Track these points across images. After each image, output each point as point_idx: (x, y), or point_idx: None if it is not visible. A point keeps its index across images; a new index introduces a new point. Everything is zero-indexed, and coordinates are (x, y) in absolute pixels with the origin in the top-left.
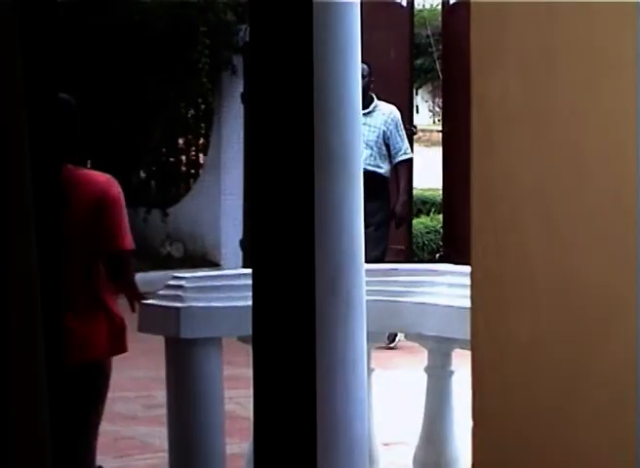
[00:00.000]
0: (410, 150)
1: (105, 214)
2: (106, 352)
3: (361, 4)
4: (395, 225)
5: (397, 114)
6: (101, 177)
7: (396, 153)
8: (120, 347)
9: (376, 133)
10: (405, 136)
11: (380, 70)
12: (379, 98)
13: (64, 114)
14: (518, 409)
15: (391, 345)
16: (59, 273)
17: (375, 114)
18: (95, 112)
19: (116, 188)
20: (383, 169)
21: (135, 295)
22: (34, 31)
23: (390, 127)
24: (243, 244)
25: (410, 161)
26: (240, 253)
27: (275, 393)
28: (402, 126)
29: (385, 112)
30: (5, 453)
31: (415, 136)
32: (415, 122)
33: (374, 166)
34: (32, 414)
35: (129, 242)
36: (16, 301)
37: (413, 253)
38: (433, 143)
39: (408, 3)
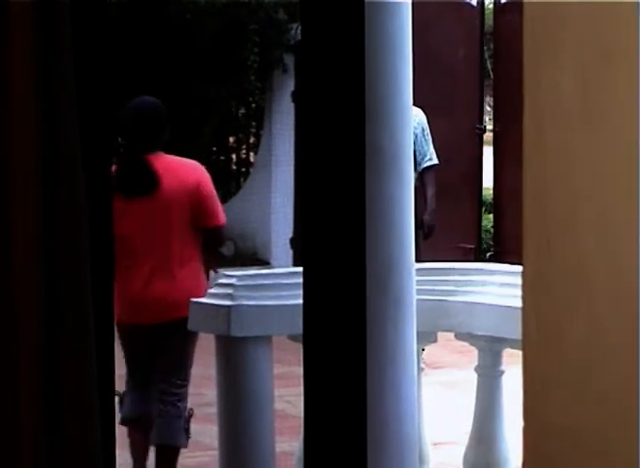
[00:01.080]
0: (435, 156)
1: (205, 195)
2: None
3: (431, 4)
4: (424, 236)
5: (422, 117)
6: (191, 162)
7: (422, 159)
8: None
9: None
10: (431, 140)
11: (449, 70)
12: (447, 98)
13: (154, 113)
14: (569, 410)
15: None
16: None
17: None
18: None
19: (204, 170)
20: None
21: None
22: (86, 31)
23: (416, 131)
24: (293, 242)
25: (436, 167)
26: (290, 252)
27: (326, 392)
28: (428, 130)
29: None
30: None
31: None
32: None
33: None
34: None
35: (223, 218)
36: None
37: (481, 251)
38: (484, 142)
39: (478, 3)
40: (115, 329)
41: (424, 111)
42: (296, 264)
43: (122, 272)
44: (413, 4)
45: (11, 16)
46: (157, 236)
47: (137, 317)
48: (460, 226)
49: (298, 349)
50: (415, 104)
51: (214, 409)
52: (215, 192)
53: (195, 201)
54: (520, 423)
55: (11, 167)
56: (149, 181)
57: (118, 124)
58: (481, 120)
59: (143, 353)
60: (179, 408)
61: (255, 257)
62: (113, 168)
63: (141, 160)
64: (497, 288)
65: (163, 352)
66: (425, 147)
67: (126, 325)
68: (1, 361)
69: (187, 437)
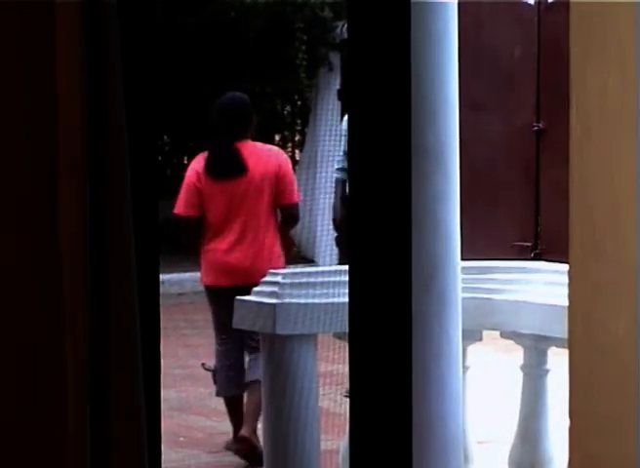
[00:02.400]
0: None
1: (282, 175)
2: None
3: (488, 3)
4: None
5: None
6: (274, 148)
7: None
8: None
9: None
10: None
11: (505, 69)
12: (504, 97)
13: (241, 107)
14: (615, 408)
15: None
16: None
17: None
18: (191, 108)
19: (285, 155)
20: None
21: (289, 243)
22: (133, 31)
23: None
24: (338, 240)
25: None
26: (335, 250)
27: (371, 390)
28: None
29: None
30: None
31: None
32: None
33: None
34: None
35: (297, 197)
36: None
37: (537, 249)
38: None
39: (536, 2)
40: (205, 292)
41: (480, 110)
42: (340, 262)
43: (209, 242)
44: (469, 3)
45: (56, 16)
46: (242, 212)
47: (222, 280)
48: (517, 225)
49: (342, 347)
50: (471, 103)
51: None
52: (292, 174)
53: (274, 181)
54: (566, 422)
55: (58, 167)
56: (236, 165)
57: (211, 116)
58: (538, 119)
59: (228, 313)
60: None
61: (299, 255)
62: (206, 153)
63: (230, 147)
64: (542, 286)
65: None
66: None
67: (213, 288)
68: (48, 359)
69: None
